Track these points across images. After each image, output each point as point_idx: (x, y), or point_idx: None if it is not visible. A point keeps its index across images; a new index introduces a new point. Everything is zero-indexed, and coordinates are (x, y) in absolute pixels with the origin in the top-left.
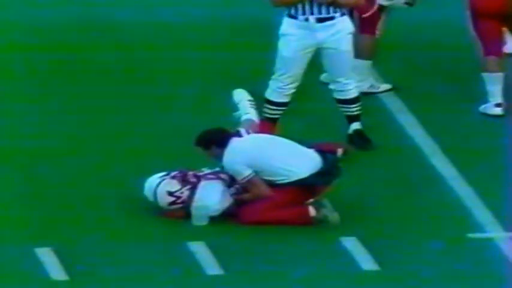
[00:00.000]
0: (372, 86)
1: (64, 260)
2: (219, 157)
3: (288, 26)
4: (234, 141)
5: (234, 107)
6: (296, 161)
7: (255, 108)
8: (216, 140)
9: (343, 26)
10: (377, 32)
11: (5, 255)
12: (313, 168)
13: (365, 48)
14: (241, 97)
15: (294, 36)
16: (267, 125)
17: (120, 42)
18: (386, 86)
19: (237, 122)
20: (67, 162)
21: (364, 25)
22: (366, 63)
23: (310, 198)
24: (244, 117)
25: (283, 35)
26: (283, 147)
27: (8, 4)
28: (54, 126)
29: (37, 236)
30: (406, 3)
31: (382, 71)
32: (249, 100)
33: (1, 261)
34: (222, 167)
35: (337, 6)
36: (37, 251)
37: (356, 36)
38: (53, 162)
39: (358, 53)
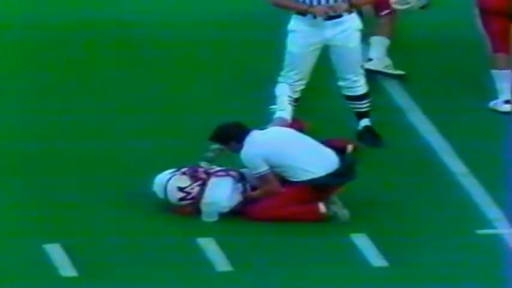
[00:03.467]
0: (387, 66)
1: (73, 257)
2: (237, 151)
3: (296, 22)
4: (255, 134)
5: (273, 100)
6: (314, 160)
7: (292, 106)
8: (235, 135)
9: (351, 23)
10: (385, 12)
11: (14, 251)
12: (329, 169)
13: (383, 26)
14: (283, 92)
15: (302, 33)
16: (298, 125)
17: (126, 40)
18: (401, 72)
19: (258, 117)
20: (75, 160)
21: (381, 7)
22: (385, 41)
23: (322, 197)
24: (277, 114)
25: (291, 31)
26: (303, 144)
27: (8, 2)
28: (62, 125)
29: (46, 233)
30: (421, 7)
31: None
32: (289, 97)
33: (11, 258)
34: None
35: (354, 6)
36: (46, 248)
37: (374, 18)
38: (61, 160)
39: (377, 31)
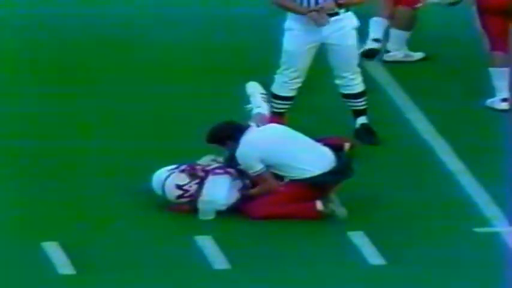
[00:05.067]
0: (406, 55)
1: (71, 255)
2: (235, 150)
3: (292, 21)
4: (250, 132)
5: (247, 100)
6: (310, 158)
7: (267, 102)
8: (231, 134)
9: (347, 22)
10: (419, 5)
11: (12, 249)
12: (326, 167)
13: (403, 19)
14: (254, 90)
15: (299, 31)
16: (277, 119)
17: (125, 41)
18: (420, 55)
19: (248, 115)
20: (73, 158)
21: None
22: (404, 34)
23: (319, 195)
24: (255, 111)
25: (288, 29)
26: (298, 143)
27: (8, 2)
28: (60, 124)
29: (44, 231)
30: (451, 3)
31: (389, 66)
32: (262, 93)
33: (9, 256)
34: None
35: (342, 6)
36: (44, 246)
37: (396, 8)
38: (59, 158)
39: (397, 24)
